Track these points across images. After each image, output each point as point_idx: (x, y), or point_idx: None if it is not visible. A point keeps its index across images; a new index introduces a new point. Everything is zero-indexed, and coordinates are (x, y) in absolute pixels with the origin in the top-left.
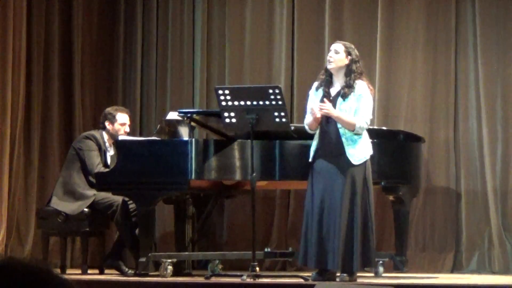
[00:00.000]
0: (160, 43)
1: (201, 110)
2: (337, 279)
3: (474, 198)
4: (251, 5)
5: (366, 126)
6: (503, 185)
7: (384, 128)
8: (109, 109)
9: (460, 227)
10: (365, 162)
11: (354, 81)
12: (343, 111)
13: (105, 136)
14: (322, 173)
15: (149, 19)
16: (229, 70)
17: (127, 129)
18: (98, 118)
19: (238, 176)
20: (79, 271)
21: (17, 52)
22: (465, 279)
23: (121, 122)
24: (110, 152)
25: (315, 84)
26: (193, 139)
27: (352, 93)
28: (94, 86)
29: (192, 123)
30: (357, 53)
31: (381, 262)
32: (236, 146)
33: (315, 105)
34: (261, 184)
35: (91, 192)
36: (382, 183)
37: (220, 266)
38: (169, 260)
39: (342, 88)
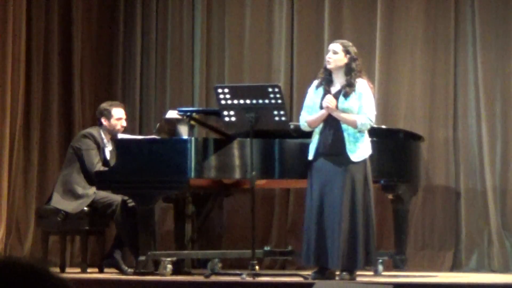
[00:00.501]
0: (159, 41)
1: (200, 108)
2: (337, 278)
3: (473, 196)
4: (251, 4)
5: (370, 123)
6: (502, 184)
7: (383, 126)
8: (104, 105)
9: (460, 226)
10: (365, 160)
11: (355, 80)
12: (345, 110)
13: (103, 133)
14: (322, 171)
15: (149, 18)
16: (228, 68)
17: (124, 123)
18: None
19: (237, 175)
20: (79, 270)
21: (16, 50)
22: (464, 277)
23: (117, 117)
24: (109, 147)
25: (315, 82)
26: (193, 138)
27: (353, 92)
28: (93, 85)
29: (192, 122)
30: (356, 51)
31: (380, 260)
32: (235, 144)
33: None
34: (261, 182)
35: (91, 190)
36: (382, 181)
37: (219, 265)
38: (169, 259)
39: (343, 87)
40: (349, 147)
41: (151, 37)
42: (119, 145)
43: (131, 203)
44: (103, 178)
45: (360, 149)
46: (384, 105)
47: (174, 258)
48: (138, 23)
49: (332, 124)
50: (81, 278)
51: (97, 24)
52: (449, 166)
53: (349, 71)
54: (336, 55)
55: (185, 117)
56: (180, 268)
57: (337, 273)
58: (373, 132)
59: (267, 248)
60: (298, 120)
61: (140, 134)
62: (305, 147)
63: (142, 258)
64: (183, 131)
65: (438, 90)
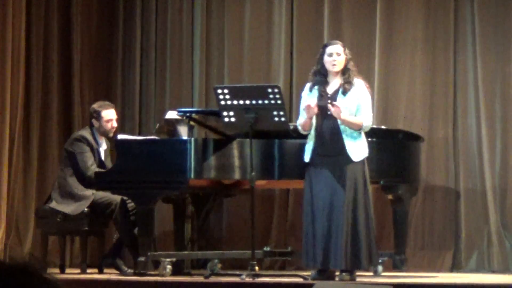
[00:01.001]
0: (159, 42)
1: (200, 109)
2: (337, 278)
3: (473, 196)
4: (250, 5)
5: (371, 124)
6: (502, 184)
7: (383, 127)
8: (94, 106)
9: (459, 226)
10: (363, 160)
11: (352, 78)
12: (344, 107)
13: (96, 133)
14: (322, 173)
15: (148, 18)
16: (228, 69)
17: (115, 124)
18: None
19: (237, 175)
20: (78, 271)
21: (16, 50)
22: (464, 278)
23: (107, 119)
24: (103, 146)
25: (308, 85)
26: (192, 138)
27: (351, 90)
28: (93, 85)
29: (191, 122)
30: (349, 51)
31: (380, 261)
32: (235, 145)
33: (310, 101)
34: (260, 183)
35: (89, 192)
36: (381, 182)
37: (219, 265)
38: (168, 259)
39: (342, 85)
40: (348, 147)
41: (150, 37)
42: (119, 145)
43: (130, 204)
44: (102, 178)
45: (359, 149)
46: (384, 105)
47: (174, 259)
48: (138, 23)
49: (329, 125)
50: (80, 278)
51: (97, 24)
52: (449, 166)
53: (346, 70)
54: (340, 56)
55: (184, 117)
56: (180, 269)
57: (337, 273)
58: (372, 132)
59: (266, 248)
60: (297, 122)
61: (139, 134)
62: (305, 148)
63: (141, 258)
64: (183, 132)
65: (437, 90)
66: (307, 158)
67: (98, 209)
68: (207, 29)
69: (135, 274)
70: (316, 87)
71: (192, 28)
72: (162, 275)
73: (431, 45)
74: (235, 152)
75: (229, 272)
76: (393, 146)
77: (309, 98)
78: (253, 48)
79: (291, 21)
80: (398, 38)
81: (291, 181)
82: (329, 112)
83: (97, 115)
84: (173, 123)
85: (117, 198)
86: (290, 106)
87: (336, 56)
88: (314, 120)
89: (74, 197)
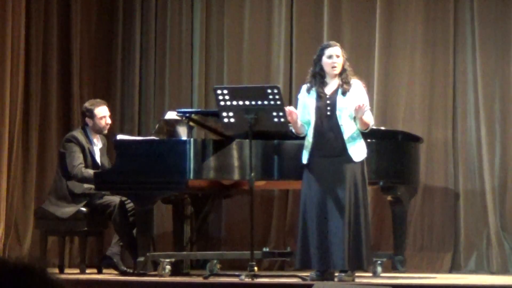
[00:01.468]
0: (158, 42)
1: (199, 110)
2: (335, 279)
3: (472, 198)
4: (250, 5)
5: (372, 125)
6: (501, 185)
7: (382, 128)
8: (86, 105)
9: (458, 227)
10: (363, 160)
11: (350, 78)
12: (343, 107)
13: (89, 132)
14: (322, 174)
15: (148, 19)
16: (227, 70)
17: (109, 121)
18: None
19: (236, 176)
20: (77, 271)
21: (15, 51)
22: (463, 279)
23: (100, 116)
24: (98, 145)
25: (304, 87)
26: (192, 139)
27: (350, 90)
28: (92, 86)
29: (191, 123)
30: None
31: (379, 262)
32: (234, 146)
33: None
34: (260, 184)
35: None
36: (381, 183)
37: (218, 266)
38: (167, 260)
39: (340, 85)
40: (350, 147)
41: (150, 38)
42: (118, 146)
43: (129, 204)
44: (102, 178)
45: (359, 149)
46: (383, 106)
47: (173, 259)
48: (137, 24)
49: (330, 126)
50: (79, 278)
51: (96, 24)
52: (448, 167)
53: (343, 71)
54: (339, 58)
55: (184, 118)
56: (179, 269)
57: (336, 274)
58: (372, 133)
59: (266, 249)
60: None
61: (139, 135)
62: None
63: (140, 259)
64: (182, 132)
65: (437, 91)
66: (305, 159)
67: (97, 209)
68: (207, 29)
69: (134, 274)
70: (314, 88)
71: (191, 29)
72: (161, 276)
73: (431, 47)
74: (235, 153)
75: (228, 272)
76: (393, 147)
77: (307, 99)
78: (252, 48)
79: (291, 22)
80: (398, 39)
81: (291, 181)
82: (328, 113)
83: (90, 113)
84: (172, 123)
85: (116, 199)
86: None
87: (335, 58)
88: (312, 121)
89: (68, 200)
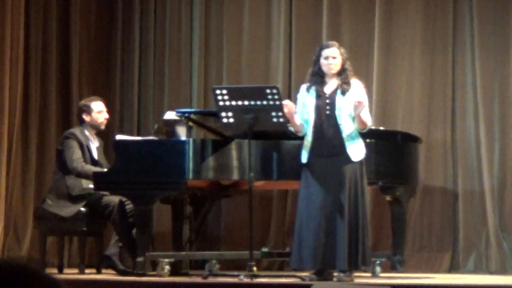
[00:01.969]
0: (157, 42)
1: (198, 110)
2: (334, 279)
3: (471, 198)
4: (249, 5)
5: (371, 125)
6: (500, 185)
7: (381, 128)
8: (82, 102)
9: (457, 227)
10: (362, 160)
11: (350, 78)
12: (342, 107)
13: (86, 130)
14: (321, 173)
15: (147, 19)
16: (226, 70)
17: (106, 115)
18: None
19: (235, 176)
20: (77, 271)
21: (15, 51)
22: (462, 279)
23: (98, 110)
24: (95, 144)
25: (304, 86)
26: (191, 139)
27: (349, 90)
28: (91, 86)
29: (190, 123)
30: (345, 50)
31: (378, 262)
32: (233, 146)
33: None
34: (259, 184)
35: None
36: (380, 183)
37: (217, 266)
38: (167, 260)
39: (340, 85)
40: (348, 147)
41: (149, 38)
42: (117, 146)
43: (128, 205)
44: (101, 179)
45: (358, 149)
46: (382, 106)
47: (172, 259)
48: (137, 23)
49: (328, 125)
50: (79, 279)
51: (96, 24)
52: (447, 167)
53: (343, 71)
54: (335, 59)
55: (183, 118)
56: (178, 269)
57: (335, 274)
58: (371, 133)
59: (265, 249)
60: None
61: (138, 135)
62: (301, 149)
63: (140, 259)
64: (181, 132)
65: (436, 91)
66: (304, 159)
67: (97, 210)
68: (206, 30)
69: (133, 274)
70: (313, 87)
71: (191, 29)
72: (160, 276)
73: (430, 47)
74: (234, 153)
75: (227, 272)
76: (392, 147)
77: (307, 98)
78: (251, 49)
79: (290, 22)
80: (397, 39)
81: (290, 182)
82: (327, 112)
83: (87, 108)
84: (171, 123)
85: (115, 199)
86: None
87: (332, 59)
88: (312, 120)
89: (68, 199)
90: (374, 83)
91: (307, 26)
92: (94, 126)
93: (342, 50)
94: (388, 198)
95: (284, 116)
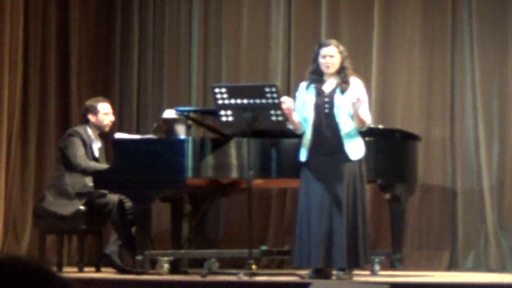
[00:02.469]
0: (156, 41)
1: (197, 108)
2: (333, 277)
3: (470, 196)
4: (248, 4)
5: (370, 123)
6: (499, 183)
7: (380, 126)
8: (89, 102)
9: (456, 225)
10: (361, 159)
11: (349, 77)
12: (341, 106)
13: (90, 130)
14: (320, 172)
15: (146, 17)
16: (225, 68)
17: (112, 118)
18: None
19: (234, 174)
20: (76, 269)
21: (14, 49)
22: (461, 277)
23: (104, 112)
24: (97, 144)
25: (303, 83)
26: (190, 137)
27: (348, 89)
28: (90, 84)
29: (189, 122)
30: (345, 48)
31: (377, 260)
32: (232, 144)
33: (307, 100)
34: (258, 182)
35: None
36: (379, 181)
37: (216, 264)
38: (166, 258)
39: (339, 84)
40: (347, 145)
41: (148, 36)
42: (116, 144)
43: (128, 203)
44: (100, 177)
45: (357, 148)
46: (381, 105)
47: (171, 257)
48: (135, 22)
49: (327, 124)
50: (78, 277)
51: (95, 22)
52: (446, 165)
53: (342, 69)
54: (333, 58)
55: (182, 116)
56: (177, 268)
57: (334, 272)
58: (370, 131)
59: (264, 247)
60: None
61: (137, 133)
62: (300, 147)
63: (139, 257)
64: (180, 131)
65: (435, 90)
66: (303, 157)
67: (96, 208)
68: (205, 27)
69: (132, 272)
70: (312, 85)
71: (190, 27)
72: (160, 274)
73: (429, 45)
74: (233, 151)
75: (227, 271)
76: (391, 146)
77: (306, 96)
78: (250, 47)
79: (289, 20)
80: (396, 38)
81: (289, 180)
82: (326, 111)
83: (94, 109)
84: (170, 122)
85: (114, 197)
86: None
87: (329, 58)
88: (311, 118)
89: (68, 196)
90: (373, 81)
91: (306, 24)
92: (98, 127)
93: (341, 48)
94: (387, 196)
95: (283, 114)
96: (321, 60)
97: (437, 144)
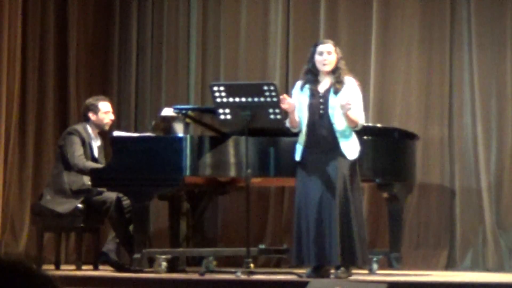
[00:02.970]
0: (155, 39)
1: (196, 106)
2: (331, 276)
3: (468, 195)
4: (247, 2)
5: (363, 123)
6: (497, 183)
7: (378, 125)
8: (90, 100)
9: (454, 225)
10: (355, 158)
11: (343, 77)
12: (335, 106)
13: (90, 128)
14: (315, 170)
15: (144, 15)
16: (224, 66)
17: (112, 117)
18: None
19: (232, 173)
20: (74, 267)
21: (12, 47)
22: (459, 276)
23: (105, 111)
24: (97, 142)
25: (299, 83)
26: (188, 136)
27: (342, 89)
28: (89, 82)
29: (187, 120)
30: (340, 50)
31: (375, 259)
32: (230, 142)
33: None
34: (256, 180)
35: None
36: (377, 180)
37: (214, 263)
38: (163, 257)
39: (333, 84)
40: (342, 145)
41: (146, 34)
42: (114, 142)
43: (125, 201)
44: (98, 175)
45: (352, 148)
46: (380, 104)
47: (169, 256)
48: (134, 20)
49: (321, 122)
50: (75, 275)
51: (93, 21)
52: (444, 165)
53: (336, 69)
54: (331, 55)
55: (180, 114)
56: (175, 266)
57: (332, 271)
58: (368, 130)
59: (262, 246)
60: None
61: (135, 131)
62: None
63: (137, 255)
64: (179, 129)
65: (433, 89)
66: (298, 156)
67: (93, 206)
68: (203, 26)
69: (130, 271)
70: (307, 85)
71: (188, 25)
72: (157, 272)
73: (427, 44)
74: (231, 150)
75: (224, 269)
76: (389, 145)
77: (300, 96)
78: (249, 45)
79: (287, 19)
80: (394, 37)
81: (287, 178)
82: (321, 111)
83: (95, 108)
84: (169, 120)
85: (112, 195)
86: None
87: (326, 55)
88: (305, 119)
89: (66, 194)
90: (371, 80)
91: (305, 23)
92: (98, 126)
93: (338, 49)
94: (385, 195)
95: (281, 112)
96: (317, 57)
97: (435, 143)
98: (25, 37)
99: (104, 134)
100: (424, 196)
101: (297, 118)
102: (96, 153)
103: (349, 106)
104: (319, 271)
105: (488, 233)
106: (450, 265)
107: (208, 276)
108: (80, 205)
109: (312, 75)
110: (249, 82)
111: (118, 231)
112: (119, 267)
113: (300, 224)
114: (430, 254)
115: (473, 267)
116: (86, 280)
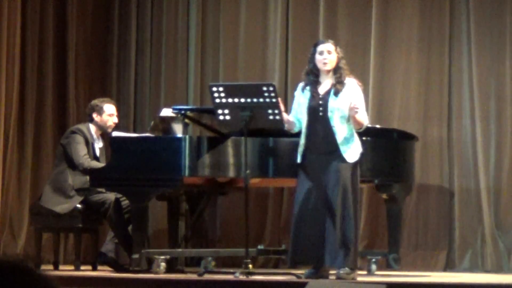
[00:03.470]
0: (154, 39)
1: (195, 107)
2: (333, 276)
3: (467, 196)
4: (246, 3)
5: (367, 123)
6: (496, 184)
7: (377, 126)
8: (95, 101)
9: (453, 226)
10: (356, 160)
11: (344, 78)
12: (335, 108)
13: (92, 129)
14: (315, 171)
15: (144, 16)
16: (223, 67)
17: (115, 120)
18: None
19: (231, 173)
20: (72, 268)
21: (11, 47)
22: (457, 277)
23: (109, 113)
24: (99, 144)
25: (301, 84)
26: (187, 136)
27: (343, 90)
28: (88, 83)
29: (186, 120)
30: (341, 49)
31: (374, 260)
32: (229, 143)
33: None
34: (255, 181)
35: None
36: (376, 181)
37: (213, 263)
38: (162, 257)
39: (333, 85)
40: (342, 148)
41: (146, 35)
42: (113, 142)
43: (124, 201)
44: (97, 175)
45: (353, 150)
46: (379, 104)
47: (168, 256)
48: (133, 21)
49: (321, 125)
50: (74, 275)
51: (92, 22)
52: (443, 166)
53: (337, 69)
54: (331, 55)
55: (179, 115)
56: (174, 266)
57: (332, 272)
58: (367, 131)
59: (260, 246)
60: None
61: (134, 132)
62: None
63: (135, 256)
64: (178, 129)
65: (432, 89)
66: (298, 159)
67: (92, 206)
68: (203, 27)
69: (129, 271)
70: (308, 87)
71: (187, 26)
72: (156, 273)
73: (426, 45)
74: (230, 150)
75: (223, 270)
76: (388, 145)
77: (301, 98)
78: (248, 46)
79: (287, 20)
80: (393, 37)
81: (286, 179)
82: (320, 114)
83: (100, 109)
84: (168, 120)
85: (111, 196)
86: (285, 104)
87: (327, 54)
88: (305, 121)
89: (65, 194)
90: (370, 81)
91: (304, 24)
92: (101, 127)
93: (338, 49)
94: (384, 196)
95: (280, 113)
96: (318, 57)
97: (434, 144)
98: (24, 37)
99: (105, 135)
100: (423, 197)
101: (291, 119)
102: (98, 153)
103: (356, 109)
104: (318, 272)
105: (487, 234)
106: (448, 266)
107: (206, 277)
108: (79, 206)
109: (313, 76)
110: (248, 82)
111: (117, 231)
112: (118, 268)
113: (296, 226)
114: (428, 255)
115: (471, 268)
116: (84, 280)
